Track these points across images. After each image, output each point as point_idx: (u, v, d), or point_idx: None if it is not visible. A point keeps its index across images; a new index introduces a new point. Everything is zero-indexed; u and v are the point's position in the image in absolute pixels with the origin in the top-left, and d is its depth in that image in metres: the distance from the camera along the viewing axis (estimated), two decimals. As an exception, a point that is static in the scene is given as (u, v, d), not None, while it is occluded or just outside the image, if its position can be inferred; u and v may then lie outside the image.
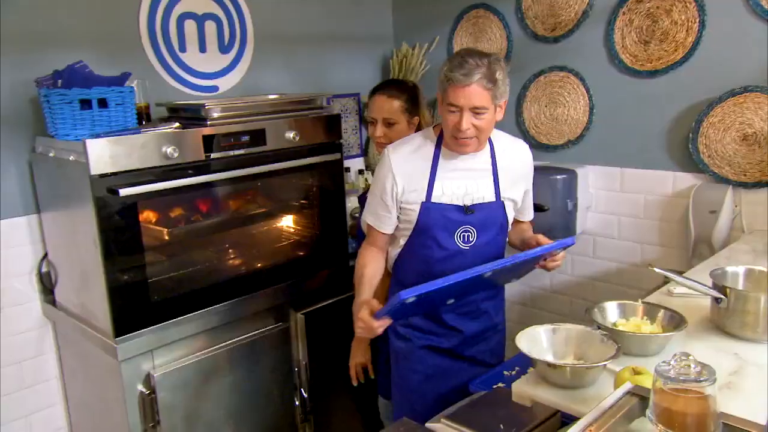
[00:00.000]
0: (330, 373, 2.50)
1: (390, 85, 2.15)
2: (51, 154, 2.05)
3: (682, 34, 2.40)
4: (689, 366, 1.00)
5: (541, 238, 1.87)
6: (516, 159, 1.91)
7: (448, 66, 1.67)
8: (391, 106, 2.09)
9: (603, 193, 2.78)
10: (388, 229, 1.89)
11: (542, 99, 2.87)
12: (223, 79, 2.71)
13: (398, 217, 1.86)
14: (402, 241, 1.89)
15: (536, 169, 2.79)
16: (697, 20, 2.35)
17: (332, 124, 2.49)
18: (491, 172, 1.85)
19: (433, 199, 1.80)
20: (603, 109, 2.71)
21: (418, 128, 2.11)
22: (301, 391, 2.52)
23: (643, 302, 1.63)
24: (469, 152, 1.80)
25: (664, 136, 2.54)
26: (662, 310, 1.57)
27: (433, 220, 1.81)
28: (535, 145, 2.92)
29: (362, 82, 3.29)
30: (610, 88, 2.66)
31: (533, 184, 2.02)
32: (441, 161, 1.81)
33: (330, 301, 2.55)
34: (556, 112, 2.84)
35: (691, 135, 2.43)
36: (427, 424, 1.53)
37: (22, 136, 2.19)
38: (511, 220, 1.94)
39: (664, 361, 1.03)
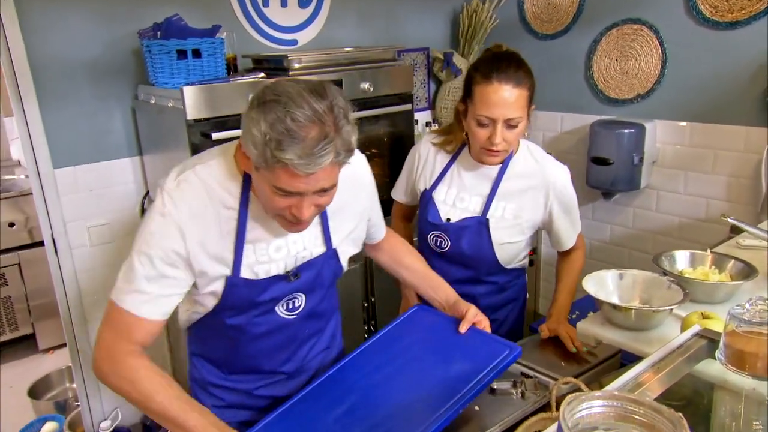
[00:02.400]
0: (393, 310, 2.56)
1: (510, 66, 1.44)
2: (152, 101, 2.13)
3: (768, -17, 2.22)
4: (766, 309, 0.97)
5: (471, 313, 1.37)
6: (344, 192, 1.19)
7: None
8: (519, 98, 1.44)
9: (670, 148, 2.66)
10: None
11: (613, 53, 2.74)
12: (302, 32, 2.72)
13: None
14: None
15: (603, 123, 2.74)
16: (784, -31, 2.16)
17: (404, 76, 2.46)
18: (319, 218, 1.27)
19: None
20: (676, 63, 2.56)
21: None
22: (369, 325, 2.59)
23: (712, 252, 1.57)
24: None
25: (740, 91, 2.38)
26: (732, 260, 1.52)
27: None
28: (603, 99, 2.81)
29: (432, 37, 3.22)
30: (686, 41, 2.50)
31: None
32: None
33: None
34: (626, 65, 2.71)
35: (768, 89, 2.27)
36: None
37: (125, 85, 2.28)
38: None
39: (738, 305, 1.00)
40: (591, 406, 0.63)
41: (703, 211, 2.60)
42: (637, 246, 2.88)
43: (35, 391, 2.91)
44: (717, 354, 1.04)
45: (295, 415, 1.21)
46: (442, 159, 1.67)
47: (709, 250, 1.58)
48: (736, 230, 1.96)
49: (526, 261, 1.82)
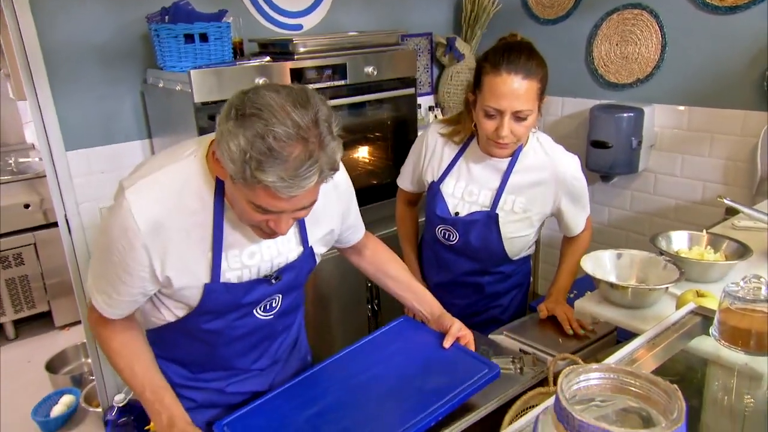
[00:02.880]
0: (398, 306, 2.56)
1: (521, 56, 1.36)
2: (160, 85, 2.12)
3: (767, -31, 2.17)
4: (760, 288, 0.96)
5: (455, 328, 1.31)
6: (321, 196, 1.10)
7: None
8: (529, 91, 1.36)
9: (668, 131, 2.63)
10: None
11: (613, 37, 2.70)
12: (307, 17, 2.69)
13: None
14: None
15: (603, 107, 2.71)
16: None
17: (408, 60, 2.44)
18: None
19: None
20: (675, 47, 2.52)
21: None
22: (372, 305, 2.59)
23: (707, 232, 1.57)
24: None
25: (738, 75, 2.35)
26: (727, 241, 1.51)
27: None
28: (603, 84, 2.78)
29: (435, 22, 3.18)
30: (685, 26, 2.46)
31: None
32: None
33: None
34: (626, 50, 2.67)
35: (767, 73, 2.23)
36: (490, 336, 1.55)
37: (135, 69, 2.27)
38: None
39: (733, 282, 1.00)
40: (588, 378, 0.62)
41: (700, 193, 2.58)
42: (635, 228, 2.87)
43: (52, 366, 2.94)
44: (711, 330, 1.03)
45: (266, 412, 1.18)
46: (450, 150, 1.60)
47: (704, 231, 1.57)
48: (731, 212, 1.95)
49: (533, 249, 1.78)
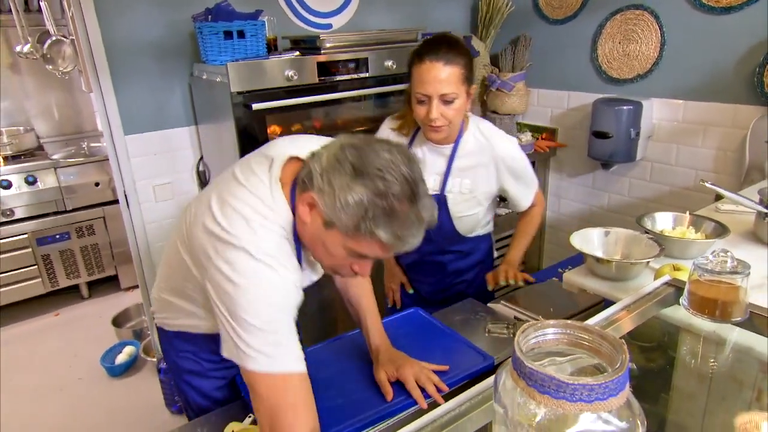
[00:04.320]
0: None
1: (441, 46, 1.37)
2: (204, 77, 2.14)
3: (763, -31, 2.05)
4: (726, 261, 0.93)
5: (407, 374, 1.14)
6: None
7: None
8: (451, 75, 1.35)
9: (665, 123, 2.54)
10: None
11: (617, 36, 2.60)
12: (336, 17, 2.67)
13: None
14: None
15: (605, 100, 2.62)
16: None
17: (425, 56, 2.40)
18: None
19: None
20: (674, 45, 2.41)
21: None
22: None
23: (690, 214, 1.51)
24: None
25: (731, 71, 2.24)
26: (707, 221, 1.45)
27: None
28: (606, 79, 2.69)
29: (453, 21, 3.12)
30: (683, 25, 2.35)
31: None
32: None
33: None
34: (628, 48, 2.57)
35: (758, 69, 2.13)
36: (489, 304, 1.54)
37: (183, 63, 2.30)
38: None
39: (703, 256, 0.96)
40: (544, 333, 0.61)
41: (692, 181, 2.49)
42: (632, 212, 2.79)
43: (117, 321, 3.05)
44: (681, 300, 1.01)
45: None
46: (400, 142, 1.51)
47: (687, 212, 1.52)
48: (719, 198, 1.88)
49: (490, 227, 1.74)
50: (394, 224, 0.85)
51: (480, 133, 1.52)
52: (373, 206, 0.83)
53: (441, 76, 1.34)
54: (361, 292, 1.29)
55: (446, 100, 1.37)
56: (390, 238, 0.86)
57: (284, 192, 0.94)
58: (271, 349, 0.86)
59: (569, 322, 0.60)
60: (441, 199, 1.52)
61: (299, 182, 0.93)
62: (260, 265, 0.87)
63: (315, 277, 1.17)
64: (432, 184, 1.52)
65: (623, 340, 0.56)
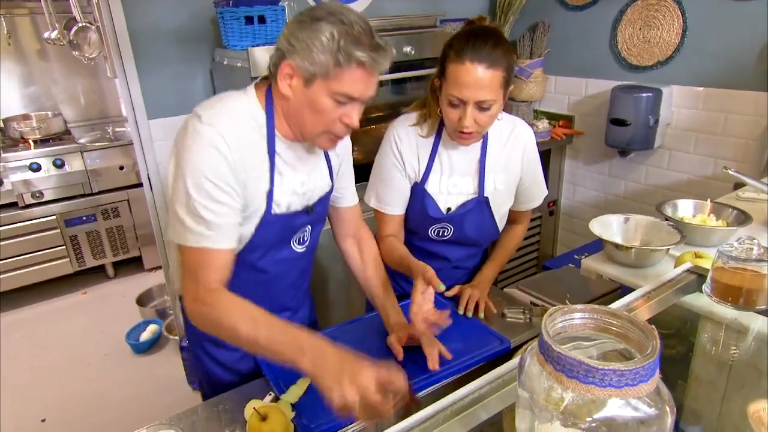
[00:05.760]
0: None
1: (486, 45, 1.14)
2: (225, 62, 2.12)
3: (792, -47, 1.96)
4: (752, 248, 0.90)
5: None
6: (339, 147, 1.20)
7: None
8: (493, 80, 1.15)
9: (684, 111, 2.46)
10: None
11: (637, 22, 2.52)
12: (356, 3, 2.62)
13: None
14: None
15: (624, 87, 2.56)
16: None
17: (443, 41, 2.34)
18: (324, 156, 1.19)
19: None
20: (695, 32, 2.33)
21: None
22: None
23: (712, 201, 1.47)
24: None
25: (753, 58, 2.16)
26: (729, 209, 1.41)
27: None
28: (625, 66, 2.61)
29: (472, 7, 3.06)
30: (706, 11, 2.27)
31: None
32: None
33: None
34: (649, 34, 2.49)
35: (783, 56, 2.05)
36: (505, 289, 1.52)
37: (205, 49, 2.28)
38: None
39: (728, 243, 0.93)
40: (571, 318, 0.59)
41: (711, 169, 2.42)
42: (648, 200, 2.73)
43: (141, 300, 3.09)
44: (704, 287, 0.98)
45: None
46: (425, 145, 1.34)
47: (709, 200, 1.47)
48: (738, 187, 1.82)
49: None
50: (365, 45, 0.92)
51: (504, 125, 1.37)
52: (343, 35, 0.91)
53: (482, 81, 1.14)
54: (377, 273, 1.29)
55: (483, 107, 1.18)
56: (367, 57, 0.92)
57: (258, 94, 1.03)
58: (193, 224, 0.94)
59: (597, 306, 0.58)
60: (484, 202, 1.35)
61: (271, 65, 1.00)
62: (205, 128, 0.95)
63: (303, 177, 1.11)
64: (468, 188, 1.36)
65: (653, 326, 0.54)
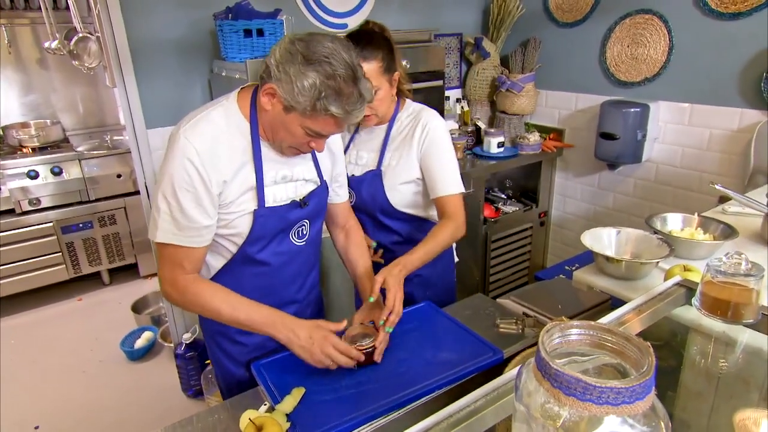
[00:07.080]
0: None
1: (358, 43, 1.31)
2: (223, 74, 2.12)
3: (773, -24, 2.00)
4: (740, 263, 0.90)
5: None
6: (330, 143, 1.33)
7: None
8: (369, 71, 1.33)
9: (671, 126, 2.49)
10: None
11: (625, 40, 2.56)
12: (351, 17, 2.64)
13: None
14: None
15: (612, 102, 2.58)
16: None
17: (437, 55, 2.37)
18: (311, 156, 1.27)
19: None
20: (681, 50, 2.37)
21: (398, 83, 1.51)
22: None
23: (699, 215, 1.48)
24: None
25: (737, 76, 2.19)
26: (716, 223, 1.42)
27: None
28: (614, 82, 2.65)
29: (465, 23, 3.09)
30: (692, 30, 2.31)
31: None
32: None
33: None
34: (636, 51, 2.52)
35: (764, 74, 2.08)
36: (498, 300, 1.52)
37: (203, 60, 2.28)
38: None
39: (716, 258, 0.93)
40: (568, 334, 0.59)
41: (697, 183, 2.45)
42: (636, 212, 2.75)
43: (137, 307, 3.05)
44: (693, 300, 0.98)
45: (298, 361, 1.13)
46: (350, 131, 1.61)
47: (696, 214, 1.48)
48: (723, 200, 1.84)
49: (434, 213, 1.60)
50: (342, 100, 0.99)
51: (412, 109, 1.53)
52: (325, 87, 0.97)
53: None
54: (359, 253, 1.38)
55: None
56: (341, 112, 1.00)
57: (241, 104, 1.09)
58: (166, 224, 1.04)
59: (593, 323, 0.58)
60: (377, 174, 1.52)
61: (259, 78, 1.05)
62: (181, 139, 1.02)
63: (285, 171, 1.16)
64: (370, 162, 1.54)
65: (649, 343, 0.53)
